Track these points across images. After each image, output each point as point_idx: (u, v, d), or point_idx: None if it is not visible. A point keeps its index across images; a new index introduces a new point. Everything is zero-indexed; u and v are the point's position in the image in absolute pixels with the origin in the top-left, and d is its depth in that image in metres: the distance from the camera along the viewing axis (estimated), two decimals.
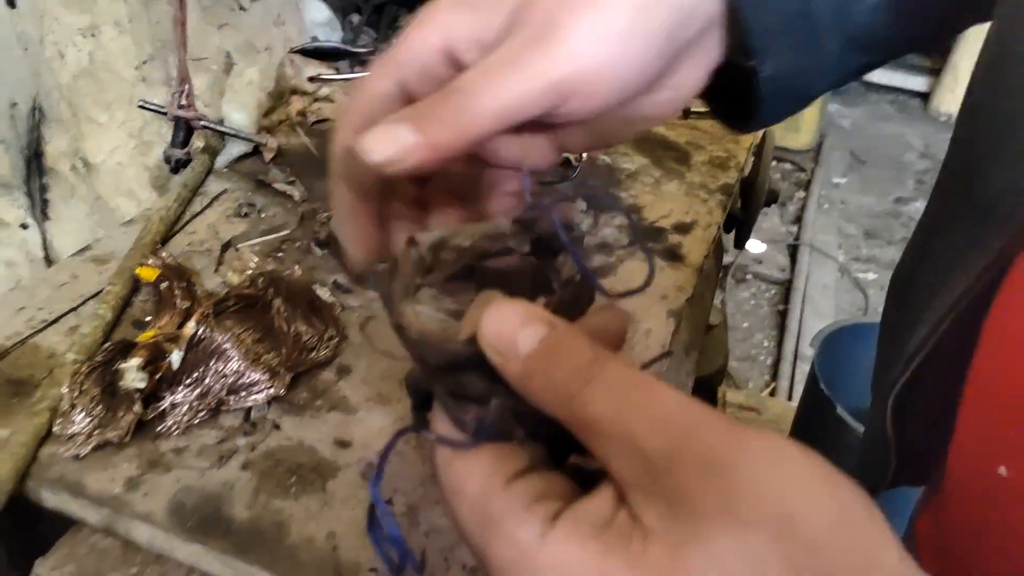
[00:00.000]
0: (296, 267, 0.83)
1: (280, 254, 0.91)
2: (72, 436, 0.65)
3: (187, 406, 0.69)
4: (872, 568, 0.27)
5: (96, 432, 0.66)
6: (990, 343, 0.45)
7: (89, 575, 0.61)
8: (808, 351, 2.39)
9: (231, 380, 0.70)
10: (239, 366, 0.70)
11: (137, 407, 0.67)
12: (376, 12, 1.95)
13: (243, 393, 0.71)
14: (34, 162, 1.00)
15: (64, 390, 0.67)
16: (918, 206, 4.09)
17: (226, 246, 0.90)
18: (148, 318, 0.80)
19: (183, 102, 0.97)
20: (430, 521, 0.64)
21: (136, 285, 0.83)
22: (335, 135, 0.42)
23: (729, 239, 1.56)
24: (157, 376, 0.69)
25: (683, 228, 1.04)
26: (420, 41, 0.41)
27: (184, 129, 0.99)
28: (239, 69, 1.05)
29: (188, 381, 0.69)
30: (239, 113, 1.02)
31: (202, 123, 0.99)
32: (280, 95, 1.18)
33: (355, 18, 1.86)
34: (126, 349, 0.71)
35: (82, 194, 0.97)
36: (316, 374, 0.76)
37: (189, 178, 0.96)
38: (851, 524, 0.27)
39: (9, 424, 0.66)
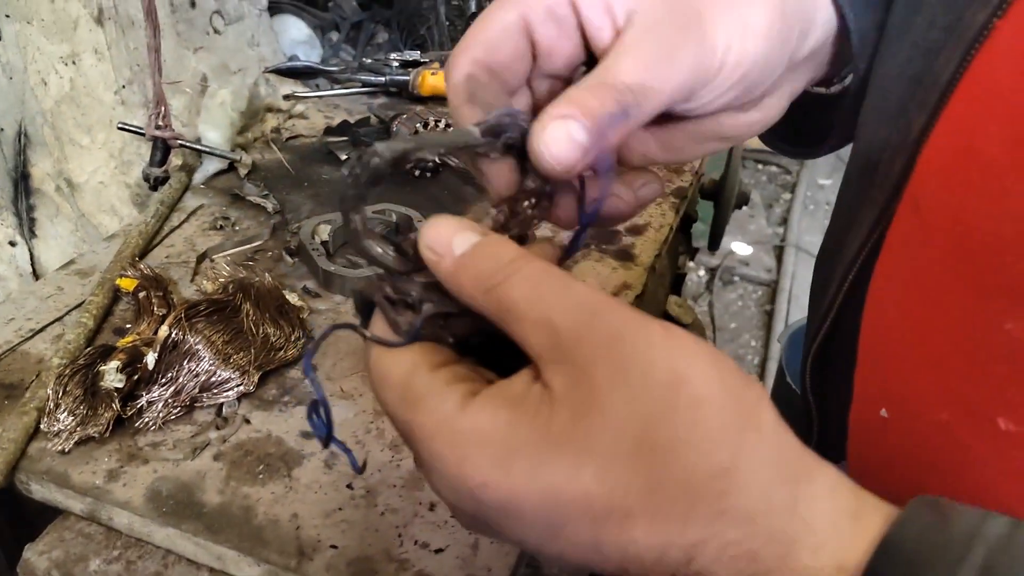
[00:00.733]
0: (267, 274, 0.89)
1: (252, 263, 0.96)
2: (57, 433, 0.71)
3: (162, 403, 0.74)
4: (750, 423, 0.32)
5: (79, 429, 0.71)
6: (873, 299, 0.48)
7: (74, 558, 0.67)
8: None
9: (203, 379, 0.76)
10: (210, 366, 0.76)
11: (116, 405, 0.72)
12: (354, 29, 2.01)
13: (215, 390, 0.76)
14: (21, 184, 1.07)
15: (50, 391, 0.73)
16: None
17: (202, 257, 0.96)
18: (128, 325, 0.86)
19: (160, 123, 1.03)
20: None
21: (117, 295, 0.88)
22: (455, 60, 0.43)
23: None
24: (135, 377, 0.75)
25: (636, 230, 1.09)
26: None
27: (162, 149, 1.05)
28: (213, 90, 1.12)
29: (163, 380, 0.75)
30: (214, 132, 1.08)
31: (179, 142, 1.05)
32: (255, 113, 1.25)
33: (334, 36, 1.92)
34: (106, 353, 0.76)
35: (67, 212, 1.03)
36: (284, 372, 0.82)
37: (167, 195, 1.02)
38: (731, 387, 0.32)
39: (0, 423, 0.72)
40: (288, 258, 0.98)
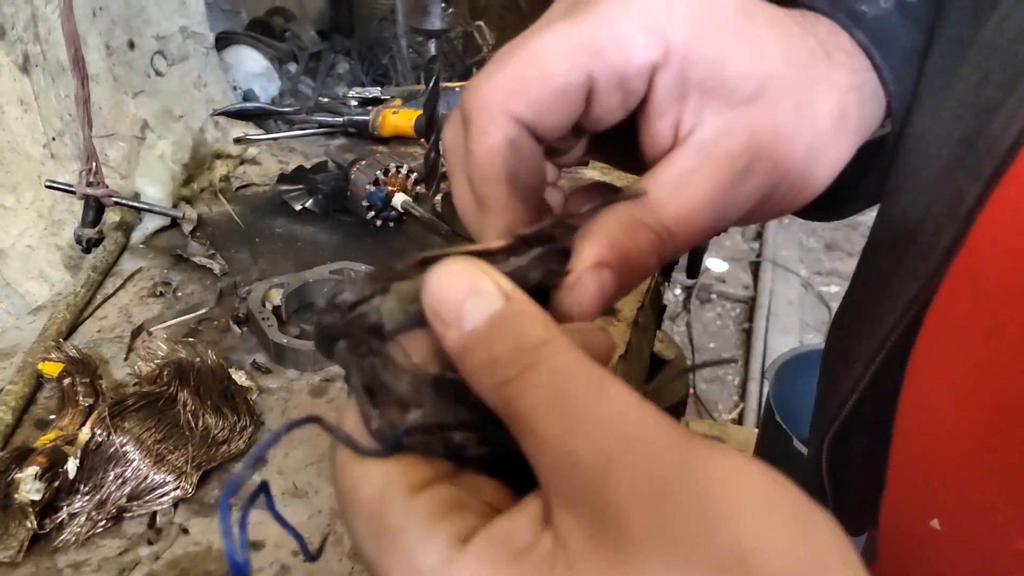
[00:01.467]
0: (210, 352, 0.80)
1: (195, 336, 0.87)
2: None
3: (85, 516, 0.65)
4: None
5: None
6: (913, 386, 0.41)
7: None
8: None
9: (133, 485, 0.67)
10: (141, 469, 0.67)
11: (30, 522, 0.63)
12: (313, 59, 1.92)
13: (146, 497, 0.67)
14: None
15: None
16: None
17: (137, 331, 0.87)
18: (51, 416, 0.76)
19: (92, 179, 0.94)
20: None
21: (40, 381, 0.79)
22: (487, 110, 0.34)
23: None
24: (56, 484, 0.65)
25: None
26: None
27: (94, 207, 0.96)
28: (151, 141, 1.02)
29: (86, 489, 0.66)
30: (153, 187, 0.99)
31: (113, 200, 0.96)
32: (201, 161, 1.15)
33: (292, 67, 1.83)
34: (22, 456, 0.67)
35: None
36: (228, 468, 0.72)
37: (100, 259, 0.92)
38: (816, 554, 0.23)
39: None
40: (236, 328, 0.89)
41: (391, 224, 1.09)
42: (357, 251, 1.04)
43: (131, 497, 0.66)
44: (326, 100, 1.37)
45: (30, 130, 0.99)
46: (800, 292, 3.72)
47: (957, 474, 0.40)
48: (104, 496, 0.66)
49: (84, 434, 0.66)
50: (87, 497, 0.66)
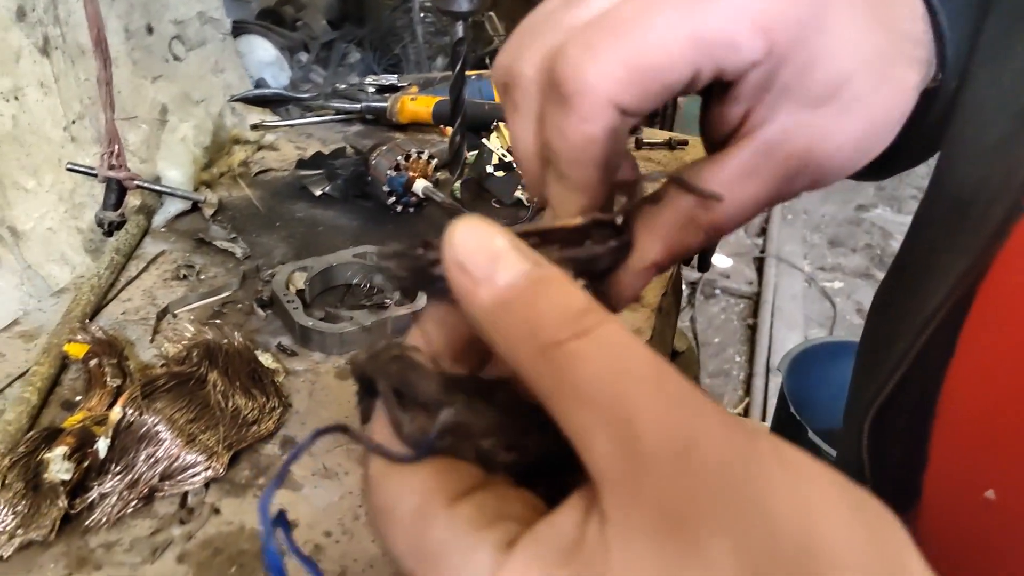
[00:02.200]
0: (236, 333, 0.79)
1: (220, 318, 0.87)
2: None
3: (116, 496, 0.64)
4: None
5: (20, 531, 0.61)
6: (965, 359, 0.41)
7: None
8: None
9: (164, 464, 0.66)
10: (172, 449, 0.66)
11: (62, 501, 0.62)
12: (325, 49, 1.92)
13: (178, 477, 0.67)
14: None
15: None
16: (879, 212, 4.13)
17: (163, 313, 0.86)
18: (78, 398, 0.75)
19: (114, 162, 0.93)
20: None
21: (65, 362, 0.78)
22: (596, 69, 0.31)
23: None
24: (85, 464, 0.65)
25: None
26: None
27: (116, 190, 0.95)
28: (172, 124, 1.02)
29: (117, 469, 0.65)
30: (174, 170, 0.98)
31: (135, 183, 0.95)
32: (220, 147, 1.15)
33: (303, 56, 1.83)
34: (52, 436, 0.66)
35: (10, 264, 0.93)
36: (258, 449, 0.72)
37: (123, 241, 0.92)
38: (879, 544, 0.22)
39: None
40: (260, 311, 0.88)
41: (411, 210, 1.09)
42: (378, 236, 1.04)
43: (163, 477, 0.66)
44: (343, 87, 1.36)
45: (50, 113, 0.99)
46: (804, 287, 3.71)
47: (1017, 441, 0.40)
48: (136, 476, 0.65)
49: (115, 414, 0.66)
50: (118, 477, 0.65)
